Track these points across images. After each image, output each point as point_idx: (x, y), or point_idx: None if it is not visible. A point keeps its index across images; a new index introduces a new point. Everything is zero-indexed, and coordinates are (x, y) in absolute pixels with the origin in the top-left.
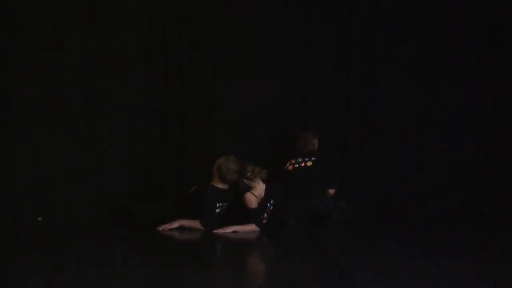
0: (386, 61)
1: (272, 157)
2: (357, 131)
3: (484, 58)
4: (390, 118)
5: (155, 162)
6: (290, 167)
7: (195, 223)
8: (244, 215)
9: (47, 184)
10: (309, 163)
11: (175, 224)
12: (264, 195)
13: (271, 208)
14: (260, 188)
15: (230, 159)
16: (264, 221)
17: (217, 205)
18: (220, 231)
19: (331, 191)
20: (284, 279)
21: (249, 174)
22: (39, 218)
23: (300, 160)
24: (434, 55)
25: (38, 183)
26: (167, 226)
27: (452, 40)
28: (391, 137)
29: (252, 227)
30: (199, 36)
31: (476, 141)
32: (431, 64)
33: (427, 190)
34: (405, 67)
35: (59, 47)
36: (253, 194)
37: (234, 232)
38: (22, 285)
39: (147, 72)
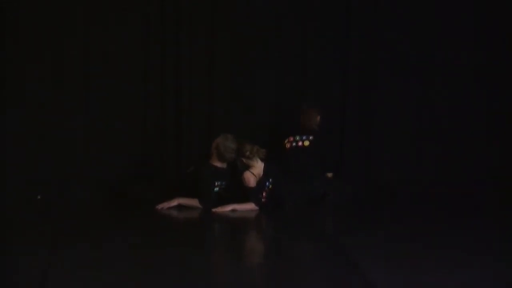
0: (385, 44)
1: (271, 135)
2: (355, 111)
3: (483, 47)
4: (389, 98)
5: (154, 141)
6: (288, 145)
7: (194, 202)
8: (242, 194)
9: (46, 164)
10: (306, 143)
11: (174, 203)
12: (263, 174)
13: (270, 187)
14: (258, 167)
15: (229, 138)
16: (262, 200)
17: (216, 183)
18: (218, 209)
19: (330, 175)
20: (282, 258)
21: (247, 153)
22: (38, 196)
23: (298, 138)
24: (433, 39)
25: (37, 164)
26: (165, 205)
27: (450, 23)
28: (390, 118)
29: (250, 206)
30: (198, 18)
31: (475, 122)
32: (429, 49)
33: (426, 172)
34: (404, 51)
35: (58, 28)
36: (252, 173)
37: (232, 210)
38: (21, 264)
39: (145, 54)
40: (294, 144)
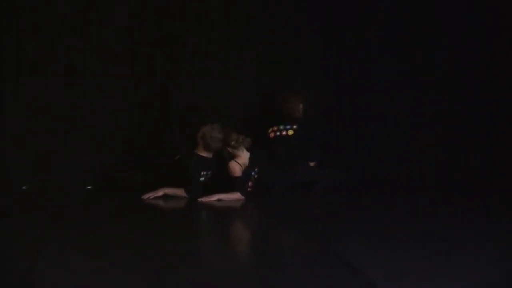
0: (377, 29)
1: (257, 123)
2: (345, 99)
3: (477, 23)
4: (380, 86)
5: (139, 130)
6: (272, 135)
7: (180, 192)
8: (228, 183)
9: (31, 153)
10: (290, 132)
11: (160, 193)
12: (249, 163)
13: (256, 176)
14: (244, 156)
15: (215, 127)
16: (248, 189)
17: (202, 173)
18: (204, 199)
19: (312, 164)
20: (269, 247)
21: (233, 142)
22: (24, 187)
23: (282, 127)
24: (426, 22)
25: (22, 153)
26: (151, 195)
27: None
28: (379, 105)
29: (236, 196)
30: (185, 6)
31: (467, 113)
32: (422, 34)
33: (415, 158)
34: (396, 35)
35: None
36: (238, 162)
37: (218, 200)
38: (8, 251)
39: (132, 41)
40: (278, 133)
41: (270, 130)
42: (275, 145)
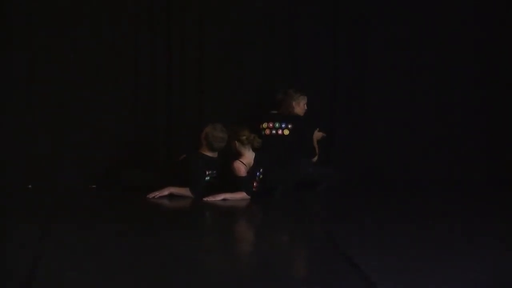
0: (375, 26)
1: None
2: (345, 97)
3: (474, 23)
4: (379, 84)
5: (144, 129)
6: (268, 131)
7: (185, 191)
8: (234, 183)
9: (35, 151)
10: (286, 132)
11: (165, 192)
12: (254, 163)
13: (261, 176)
14: (249, 156)
15: (217, 127)
16: (253, 189)
17: (207, 173)
18: (210, 198)
19: (314, 159)
20: (272, 247)
21: (244, 137)
22: (29, 186)
23: (277, 125)
24: (423, 24)
25: (26, 151)
26: (157, 194)
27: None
28: (380, 104)
29: (242, 195)
30: (187, 5)
31: (464, 108)
32: (420, 33)
33: (415, 158)
34: (395, 33)
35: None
36: (242, 162)
37: (224, 200)
38: (11, 251)
39: (136, 39)
40: (273, 131)
41: (265, 126)
42: (269, 143)
